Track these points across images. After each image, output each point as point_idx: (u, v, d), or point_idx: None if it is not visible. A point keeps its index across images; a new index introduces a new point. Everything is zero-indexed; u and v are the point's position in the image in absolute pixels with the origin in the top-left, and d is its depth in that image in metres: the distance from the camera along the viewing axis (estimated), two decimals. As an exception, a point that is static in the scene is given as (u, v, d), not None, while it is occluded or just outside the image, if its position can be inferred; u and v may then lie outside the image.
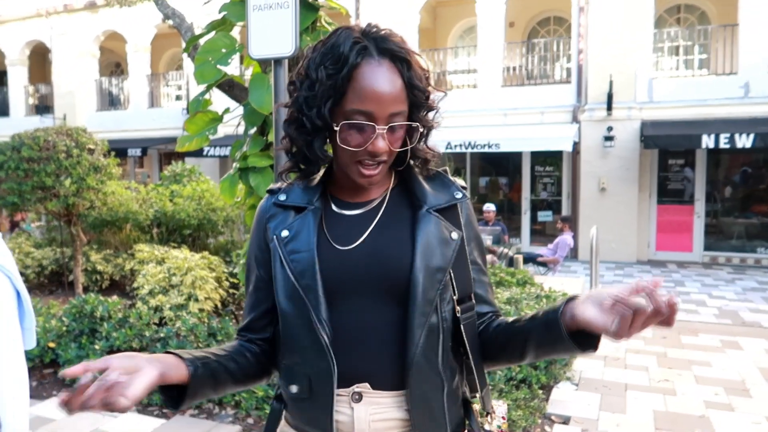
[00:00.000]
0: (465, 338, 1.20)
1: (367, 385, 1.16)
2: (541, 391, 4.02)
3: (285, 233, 1.20)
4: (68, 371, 0.99)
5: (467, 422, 1.25)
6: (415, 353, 1.13)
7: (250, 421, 3.62)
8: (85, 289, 6.41)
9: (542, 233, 12.43)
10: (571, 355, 1.03)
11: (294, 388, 1.19)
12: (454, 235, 1.20)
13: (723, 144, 9.55)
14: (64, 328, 4.36)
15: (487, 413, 1.29)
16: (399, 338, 1.16)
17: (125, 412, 1.00)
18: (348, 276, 1.16)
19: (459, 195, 1.24)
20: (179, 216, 7.06)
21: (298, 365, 1.19)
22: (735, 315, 6.93)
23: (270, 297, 1.24)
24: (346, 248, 1.18)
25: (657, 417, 3.83)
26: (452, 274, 1.19)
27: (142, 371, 1.03)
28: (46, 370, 4.34)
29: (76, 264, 6.37)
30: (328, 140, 1.20)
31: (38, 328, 4.37)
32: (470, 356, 1.21)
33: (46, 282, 7.11)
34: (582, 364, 4.83)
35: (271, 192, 1.28)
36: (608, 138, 10.94)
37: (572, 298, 1.09)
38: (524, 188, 12.58)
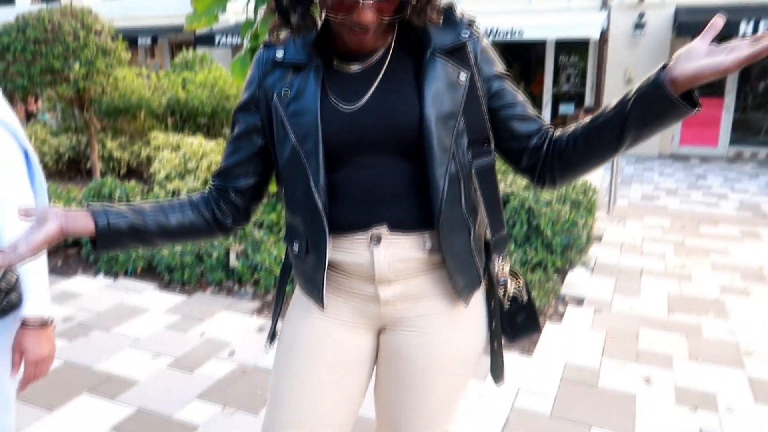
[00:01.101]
0: (476, 184, 1.16)
1: (385, 227, 1.13)
2: (556, 275, 4.05)
3: (286, 92, 1.13)
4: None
5: (486, 268, 1.24)
6: (441, 203, 1.10)
7: (269, 298, 3.71)
8: (103, 176, 6.45)
9: (563, 127, 12.10)
10: (679, 119, 0.98)
11: (295, 247, 1.20)
12: (462, 76, 1.12)
13: (762, 31, 8.98)
14: (84, 210, 4.41)
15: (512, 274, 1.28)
16: (414, 189, 1.13)
17: (24, 258, 1.04)
18: (355, 138, 1.11)
19: (465, 34, 1.13)
20: (193, 103, 6.94)
21: (297, 226, 1.18)
22: (756, 208, 6.82)
23: (252, 146, 1.20)
24: (351, 109, 1.12)
25: (671, 300, 3.86)
26: (464, 118, 1.12)
27: (45, 225, 1.04)
28: (70, 250, 4.45)
29: (92, 151, 6.36)
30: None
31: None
32: (482, 203, 1.18)
33: (64, 169, 7.16)
34: (598, 250, 4.84)
35: (267, 46, 1.19)
36: (639, 26, 10.34)
37: (662, 68, 1.00)
38: (546, 80, 12.11)
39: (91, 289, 3.81)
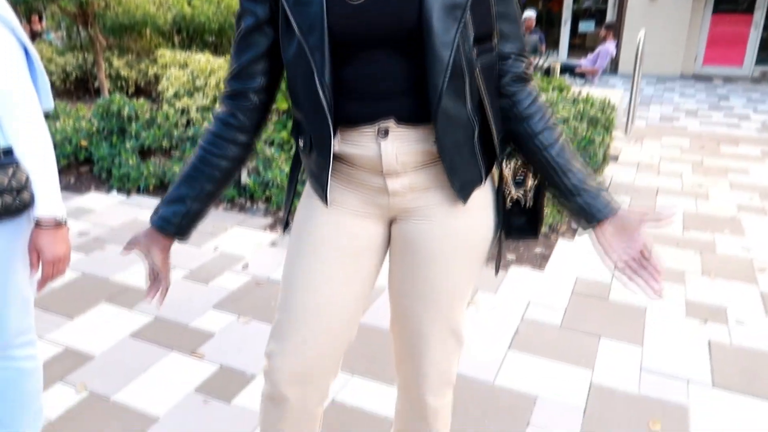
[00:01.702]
0: (481, 82, 1.11)
1: (392, 120, 1.11)
2: (570, 193, 4.01)
3: None
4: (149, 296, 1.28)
5: (494, 167, 1.22)
6: (439, 97, 1.06)
7: (281, 214, 3.72)
8: (111, 95, 6.36)
9: (581, 47, 11.69)
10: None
11: (300, 142, 1.19)
12: None
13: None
14: (94, 128, 4.37)
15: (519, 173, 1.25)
16: (421, 83, 1.09)
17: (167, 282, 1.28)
18: (361, 31, 1.07)
19: None
20: (199, 20, 6.72)
21: (302, 122, 1.17)
22: (779, 128, 6.64)
23: (266, 39, 1.15)
24: (357, 1, 1.06)
25: (686, 218, 3.82)
26: (472, 11, 1.07)
27: (162, 267, 1.25)
28: (82, 168, 4.45)
29: (99, 69, 6.25)
30: None
31: (68, 128, 4.39)
32: (486, 103, 1.14)
33: (72, 89, 7.07)
34: (613, 169, 4.76)
35: None
36: (667, -66, 9.73)
37: (610, 214, 1.13)
38: (566, -5, 11.57)
39: (105, 206, 3.83)
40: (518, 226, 1.28)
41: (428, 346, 1.26)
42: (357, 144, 1.13)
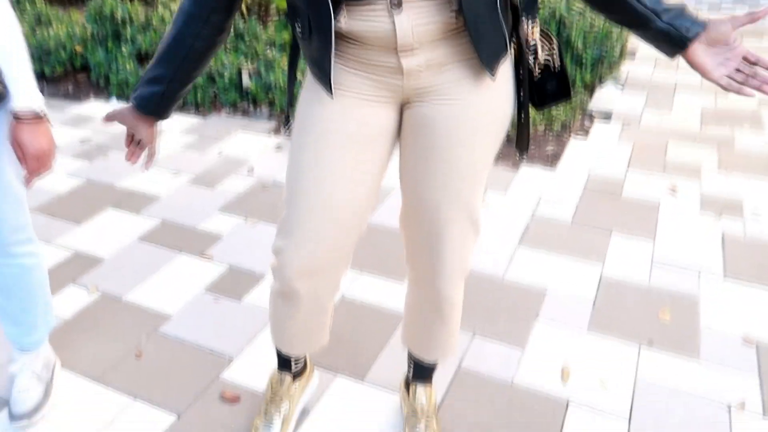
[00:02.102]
0: None
1: None
2: (584, 90, 3.86)
3: None
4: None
5: (515, 31, 1.13)
6: None
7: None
8: (105, 1, 6.08)
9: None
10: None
11: (297, 28, 1.10)
12: None
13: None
14: (88, 33, 4.20)
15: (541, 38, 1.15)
16: None
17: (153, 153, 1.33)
18: None
19: None
20: None
21: (299, 3, 1.06)
22: (807, 20, 6.28)
23: None
24: None
25: (704, 114, 3.69)
26: None
27: (148, 139, 1.29)
28: (79, 75, 4.32)
29: (90, -28, 5.93)
30: None
31: (62, 34, 4.23)
32: None
33: (63, -5, 6.76)
34: (630, 66, 4.56)
35: None
36: None
37: (701, 29, 1.04)
38: None
39: (105, 113, 3.74)
40: (551, 91, 1.21)
41: (447, 235, 1.21)
42: (367, 19, 1.03)
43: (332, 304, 1.38)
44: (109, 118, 1.25)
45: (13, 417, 1.56)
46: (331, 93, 1.09)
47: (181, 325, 1.95)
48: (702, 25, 1.03)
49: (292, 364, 1.52)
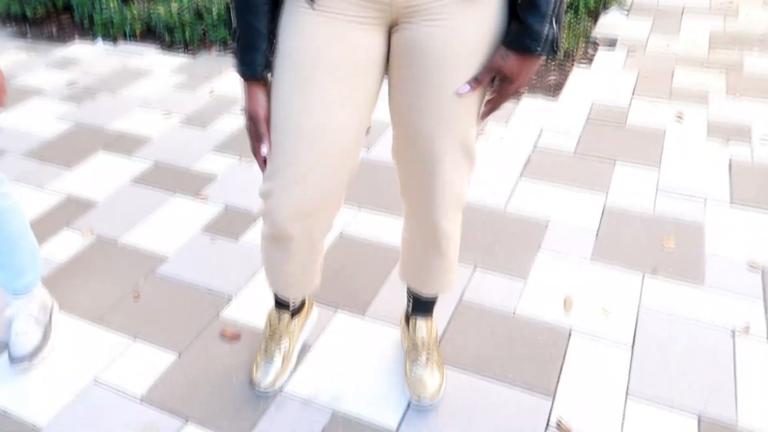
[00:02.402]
0: None
1: None
2: (587, 17, 3.70)
3: None
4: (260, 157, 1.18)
5: None
6: None
7: (278, 55, 3.49)
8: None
9: None
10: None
11: None
12: None
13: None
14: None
15: None
16: None
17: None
18: None
19: None
20: None
21: None
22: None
23: None
24: None
25: (713, 38, 3.55)
26: None
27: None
28: (62, 17, 4.16)
29: None
30: None
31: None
32: None
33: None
34: (636, -9, 4.37)
35: None
36: None
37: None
38: None
39: (92, 55, 3.62)
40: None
41: (441, 166, 1.16)
42: None
43: (324, 241, 1.34)
44: (257, 130, 1.14)
45: (12, 360, 1.56)
46: (313, 4, 1.01)
47: (178, 266, 1.92)
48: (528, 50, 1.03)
49: (290, 303, 1.50)
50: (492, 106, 1.13)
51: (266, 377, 1.48)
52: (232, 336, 1.66)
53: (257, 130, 1.13)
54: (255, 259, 1.94)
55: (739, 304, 1.72)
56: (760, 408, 1.43)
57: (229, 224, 2.10)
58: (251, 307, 1.75)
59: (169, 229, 2.09)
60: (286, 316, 1.51)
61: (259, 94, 1.11)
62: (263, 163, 1.16)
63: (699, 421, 1.40)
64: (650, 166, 2.36)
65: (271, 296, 1.79)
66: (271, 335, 1.51)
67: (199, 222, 2.12)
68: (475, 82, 1.07)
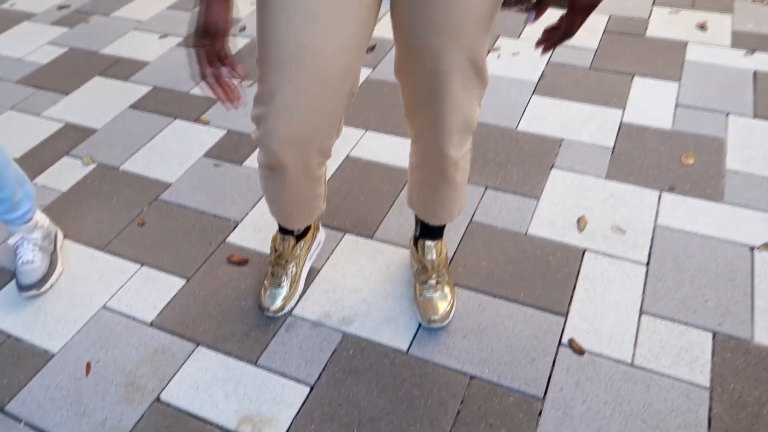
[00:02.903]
0: None
1: None
2: None
3: None
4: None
5: None
6: None
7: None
8: None
9: None
10: None
11: None
12: None
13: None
14: None
15: None
16: None
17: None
18: None
19: None
20: None
21: None
22: None
23: None
24: None
25: (740, -59, 3.31)
26: None
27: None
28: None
29: None
30: None
31: None
32: None
33: None
34: None
35: None
36: None
37: None
38: None
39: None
40: None
41: (449, 86, 1.07)
42: None
43: (325, 170, 1.28)
44: (197, 44, 0.92)
45: (21, 288, 1.55)
46: None
47: (182, 192, 1.88)
48: None
49: (294, 230, 1.47)
50: (561, 37, 0.98)
51: (274, 301, 1.46)
52: (240, 261, 1.64)
53: (215, 49, 0.92)
54: (259, 184, 1.89)
55: (759, 220, 1.67)
56: (777, 323, 1.41)
57: (232, 148, 2.05)
58: (257, 232, 1.72)
59: (171, 155, 2.04)
60: (291, 240, 1.48)
61: (220, 3, 0.90)
62: (225, 93, 0.95)
63: (714, 338, 1.38)
64: (670, 80, 2.25)
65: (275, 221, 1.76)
66: (277, 259, 1.49)
67: (202, 147, 2.06)
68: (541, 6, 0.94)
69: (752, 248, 1.59)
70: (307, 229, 1.52)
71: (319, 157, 1.19)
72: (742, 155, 1.89)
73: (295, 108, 1.05)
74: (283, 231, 1.48)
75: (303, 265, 1.53)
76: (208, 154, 2.03)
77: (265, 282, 1.50)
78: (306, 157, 1.16)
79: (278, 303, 1.46)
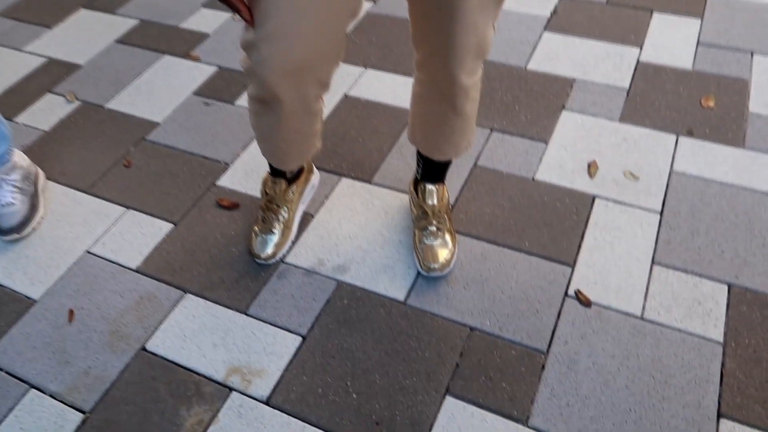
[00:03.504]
0: None
1: None
2: None
3: None
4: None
5: None
6: None
7: None
8: None
9: None
10: None
11: None
12: None
13: None
14: None
15: None
16: None
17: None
18: None
19: None
20: None
21: None
22: None
23: None
24: None
25: None
26: None
27: None
28: None
29: None
30: None
31: None
32: None
33: None
34: None
35: None
36: None
37: None
38: None
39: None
40: None
41: (464, 4, 0.96)
42: None
43: (322, 105, 1.18)
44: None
45: (1, 232, 1.47)
46: None
47: (170, 132, 1.78)
48: None
49: (286, 172, 1.37)
50: None
51: (265, 248, 1.39)
52: (230, 204, 1.55)
53: None
54: (250, 120, 1.79)
55: (782, 166, 1.57)
56: (797, 276, 1.33)
57: (223, 86, 1.93)
58: (249, 174, 1.63)
59: (159, 93, 1.92)
60: (283, 183, 1.39)
61: None
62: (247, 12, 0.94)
63: (729, 290, 1.31)
64: (692, 16, 2.09)
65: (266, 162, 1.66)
66: (268, 204, 1.40)
67: (191, 84, 1.95)
68: None
69: (773, 196, 1.49)
70: (300, 171, 1.43)
71: (318, 88, 1.08)
72: (767, 97, 1.77)
73: (291, 31, 0.94)
74: (275, 173, 1.39)
75: (296, 210, 1.44)
76: (198, 92, 1.91)
77: (256, 228, 1.42)
78: (303, 88, 1.05)
79: (270, 250, 1.39)
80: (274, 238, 1.39)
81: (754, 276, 1.33)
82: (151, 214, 1.55)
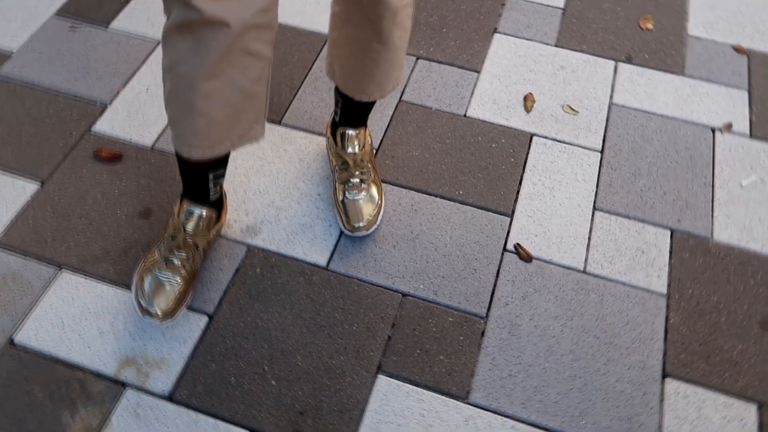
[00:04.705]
0: None
1: None
2: None
3: None
4: None
5: None
6: None
7: None
8: None
9: None
10: None
11: None
12: None
13: None
14: None
15: None
16: None
17: None
18: None
19: None
20: None
21: None
22: None
23: None
24: None
25: None
26: None
27: None
28: None
29: None
30: None
31: None
32: None
33: None
34: None
35: None
36: None
37: None
38: None
39: None
40: None
41: None
42: None
43: (272, 50, 0.90)
44: None
45: None
46: None
47: (28, 65, 1.45)
48: None
49: (210, 183, 1.04)
50: None
51: (162, 301, 1.04)
52: (111, 156, 1.29)
53: None
54: (134, 53, 1.48)
55: (721, 96, 1.48)
56: (736, 220, 1.27)
57: (94, 4, 1.58)
58: (132, 117, 1.36)
59: (12, 15, 1.56)
60: (206, 211, 1.07)
61: None
62: None
63: (672, 236, 1.23)
64: (628, -76, 1.92)
65: (159, 100, 1.39)
66: (175, 239, 1.07)
67: (52, 2, 1.59)
68: None
69: (713, 130, 1.41)
70: (222, 198, 1.13)
71: (262, 14, 0.80)
72: (706, 17, 1.66)
73: None
74: (189, 195, 1.06)
75: (199, 258, 1.10)
76: (62, 12, 1.56)
77: (150, 257, 1.07)
78: (248, 7, 0.78)
79: (169, 304, 1.04)
80: (177, 287, 1.05)
81: (696, 219, 1.26)
82: (10, 172, 1.26)
